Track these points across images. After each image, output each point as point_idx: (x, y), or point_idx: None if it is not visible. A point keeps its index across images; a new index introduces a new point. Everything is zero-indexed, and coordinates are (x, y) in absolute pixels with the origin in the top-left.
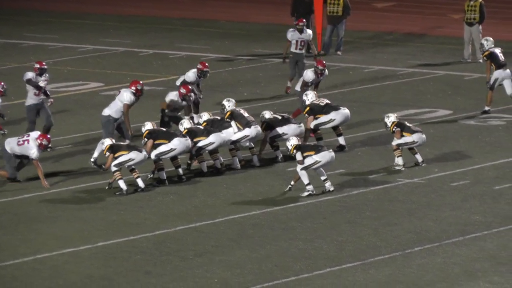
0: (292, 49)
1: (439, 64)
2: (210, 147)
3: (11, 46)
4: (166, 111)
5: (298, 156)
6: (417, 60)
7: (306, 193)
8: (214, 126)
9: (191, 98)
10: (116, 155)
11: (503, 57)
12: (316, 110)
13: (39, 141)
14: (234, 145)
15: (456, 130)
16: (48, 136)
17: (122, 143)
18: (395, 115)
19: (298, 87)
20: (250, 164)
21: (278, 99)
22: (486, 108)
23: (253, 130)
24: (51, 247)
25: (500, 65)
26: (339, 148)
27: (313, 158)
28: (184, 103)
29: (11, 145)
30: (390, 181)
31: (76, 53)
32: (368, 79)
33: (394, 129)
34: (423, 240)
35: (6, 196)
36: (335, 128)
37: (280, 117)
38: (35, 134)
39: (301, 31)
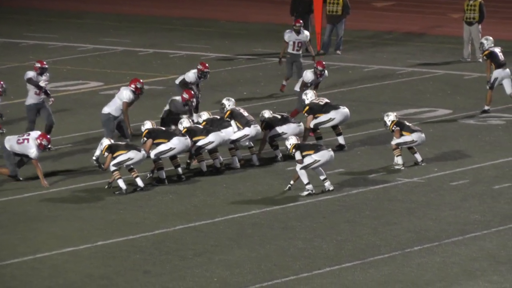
0: (289, 50)
1: (439, 64)
2: (210, 146)
3: (11, 45)
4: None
5: (297, 156)
6: (416, 60)
7: (305, 193)
8: (213, 125)
9: (193, 104)
10: (114, 154)
11: (503, 57)
12: (315, 109)
13: (38, 141)
14: (233, 145)
15: (455, 130)
16: (48, 136)
17: (120, 142)
18: (395, 114)
19: (297, 88)
20: (249, 164)
21: (277, 99)
22: (486, 108)
23: (253, 130)
24: (50, 246)
25: (499, 65)
26: (339, 148)
27: (312, 157)
28: (186, 107)
29: (10, 143)
30: (389, 181)
31: (76, 52)
32: (367, 78)
33: (393, 128)
34: (423, 240)
35: (5, 195)
36: (334, 127)
37: (279, 117)
38: (35, 133)
39: (298, 32)
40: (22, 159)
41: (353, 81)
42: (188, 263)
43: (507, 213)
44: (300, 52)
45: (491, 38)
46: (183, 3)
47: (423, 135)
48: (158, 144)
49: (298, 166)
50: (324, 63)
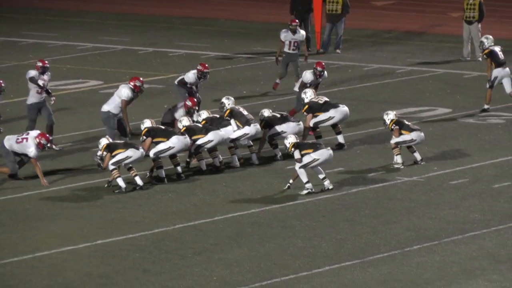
0: (285, 49)
1: (438, 62)
2: (209, 145)
3: (10, 44)
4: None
5: (296, 154)
6: (416, 58)
7: (305, 191)
8: (213, 124)
9: (196, 112)
10: (113, 153)
11: (502, 56)
12: (315, 108)
13: (37, 140)
14: (233, 143)
15: (455, 129)
16: (47, 135)
17: (118, 141)
18: (394, 112)
19: (296, 88)
20: (249, 162)
21: (277, 97)
22: (485, 107)
23: (253, 128)
24: (50, 245)
25: (499, 64)
26: (338, 147)
27: (311, 156)
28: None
29: (10, 142)
30: (389, 179)
31: (76, 51)
32: (367, 77)
33: (392, 127)
34: (422, 239)
35: (5, 194)
36: (334, 126)
37: (279, 115)
38: (34, 132)
39: (294, 31)
40: (22, 159)
41: (353, 80)
42: (187, 262)
43: (507, 212)
44: (297, 51)
45: (491, 37)
46: (183, 2)
47: (422, 134)
48: (157, 143)
49: (297, 165)
50: (323, 64)
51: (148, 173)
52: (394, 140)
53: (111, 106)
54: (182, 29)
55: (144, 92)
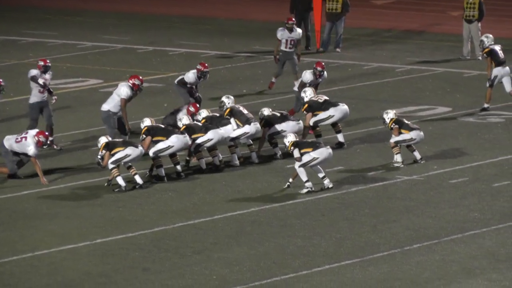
0: (282, 47)
1: (438, 61)
2: (209, 144)
3: (10, 42)
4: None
5: (296, 153)
6: (416, 57)
7: (305, 190)
8: (213, 123)
9: (199, 118)
10: (112, 152)
11: (502, 55)
12: (314, 107)
13: (36, 138)
14: (233, 142)
15: (455, 127)
16: (47, 133)
17: (117, 140)
18: (394, 111)
19: (296, 88)
20: (248, 161)
21: (277, 96)
22: (485, 105)
23: (253, 127)
24: (49, 244)
25: (499, 63)
26: (338, 145)
27: (310, 155)
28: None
29: (10, 142)
30: (388, 178)
31: (75, 50)
32: (366, 76)
33: (392, 126)
34: (422, 237)
35: (4, 193)
36: (334, 125)
37: (278, 114)
38: (33, 131)
39: (290, 30)
40: (22, 159)
41: (352, 78)
42: (187, 261)
43: (506, 211)
44: (293, 49)
45: (491, 36)
46: (183, 1)
47: (421, 133)
48: (157, 141)
49: (297, 164)
50: (323, 64)
51: (147, 172)
52: (393, 139)
53: (111, 105)
54: (181, 28)
55: (143, 90)
